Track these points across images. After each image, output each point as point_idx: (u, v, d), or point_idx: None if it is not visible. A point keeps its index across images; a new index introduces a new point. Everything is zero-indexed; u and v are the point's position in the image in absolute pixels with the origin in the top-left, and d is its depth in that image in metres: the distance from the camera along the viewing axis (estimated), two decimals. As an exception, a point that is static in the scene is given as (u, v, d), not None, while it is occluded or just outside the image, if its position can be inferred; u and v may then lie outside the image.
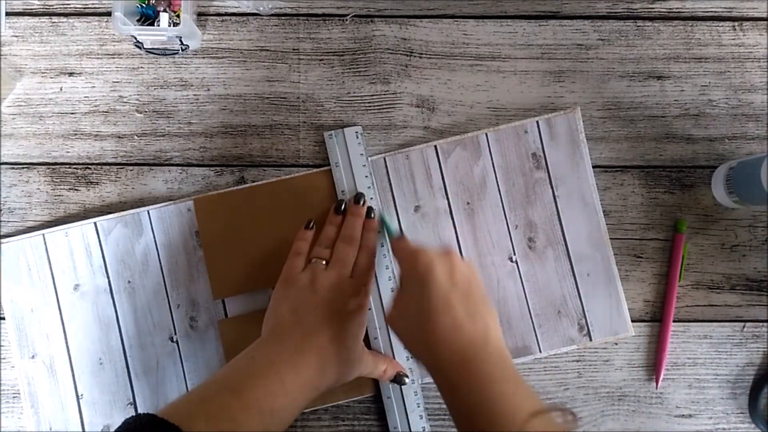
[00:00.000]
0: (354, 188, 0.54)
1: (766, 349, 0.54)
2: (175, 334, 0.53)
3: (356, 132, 0.55)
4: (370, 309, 0.52)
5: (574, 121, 0.55)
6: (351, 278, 0.49)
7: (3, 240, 0.54)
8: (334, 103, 0.56)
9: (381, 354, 0.52)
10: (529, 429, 0.38)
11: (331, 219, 0.52)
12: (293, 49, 0.56)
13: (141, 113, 0.56)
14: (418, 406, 0.52)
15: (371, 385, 0.53)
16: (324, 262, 0.50)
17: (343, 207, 0.53)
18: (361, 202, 0.53)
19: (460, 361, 0.40)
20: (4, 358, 0.54)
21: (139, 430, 0.39)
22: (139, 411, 0.53)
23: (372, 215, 0.52)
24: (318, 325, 0.46)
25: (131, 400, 0.53)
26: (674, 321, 0.54)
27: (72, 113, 0.56)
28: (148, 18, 0.53)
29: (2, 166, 0.56)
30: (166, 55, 0.56)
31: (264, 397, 0.42)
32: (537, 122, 0.55)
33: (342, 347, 0.46)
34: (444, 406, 0.53)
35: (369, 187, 0.54)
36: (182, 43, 0.54)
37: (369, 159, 0.54)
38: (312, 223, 0.53)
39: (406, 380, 0.51)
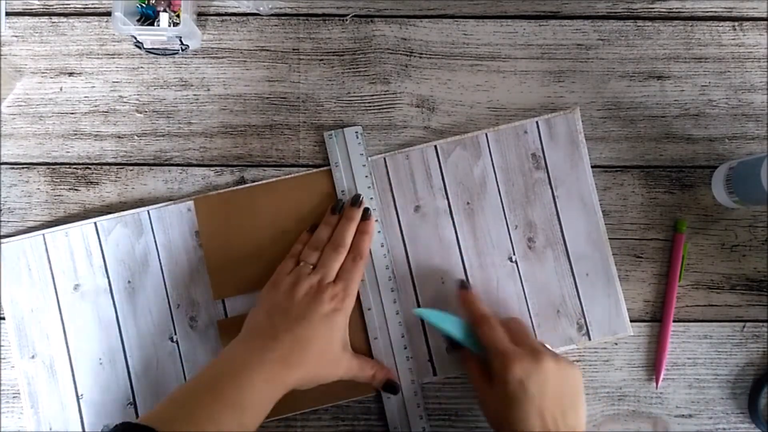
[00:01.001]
0: (354, 188, 0.54)
1: (766, 349, 0.54)
2: (175, 334, 0.53)
3: (356, 132, 0.55)
4: (370, 309, 0.53)
5: (573, 122, 0.55)
6: (333, 283, 0.49)
7: (3, 240, 0.54)
8: (334, 103, 0.56)
9: (370, 359, 0.52)
10: None
11: (327, 219, 0.53)
12: (293, 49, 0.56)
13: (141, 113, 0.56)
14: (418, 407, 0.52)
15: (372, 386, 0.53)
16: (310, 266, 0.50)
17: (340, 207, 0.53)
18: (358, 204, 0.52)
19: None
20: (4, 358, 0.54)
21: None
22: (139, 411, 0.53)
23: (368, 216, 0.52)
24: (287, 327, 0.47)
25: (131, 400, 0.53)
26: (674, 321, 0.54)
27: (72, 113, 0.56)
28: (148, 18, 0.54)
29: (2, 166, 0.56)
30: (166, 55, 0.56)
31: (236, 393, 0.43)
32: (537, 122, 0.55)
33: (309, 349, 0.46)
34: (444, 406, 0.53)
35: (369, 187, 0.54)
36: (182, 43, 0.54)
37: (369, 159, 0.54)
38: (315, 228, 0.53)
39: (397, 390, 0.51)
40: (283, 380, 0.45)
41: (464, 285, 0.52)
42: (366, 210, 0.53)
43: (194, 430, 0.41)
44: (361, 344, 0.53)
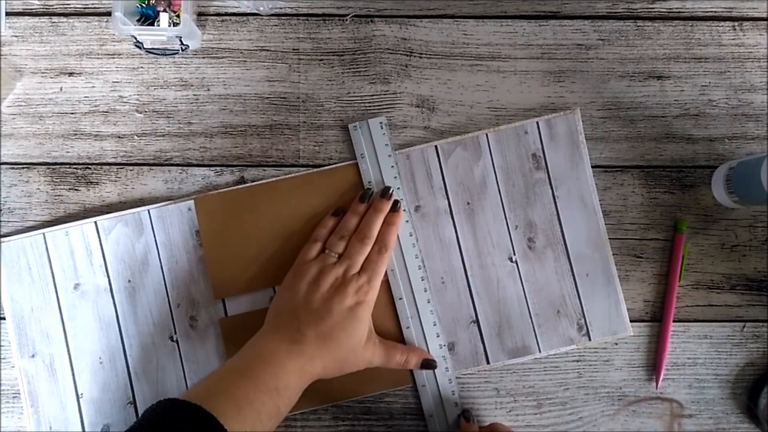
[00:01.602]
0: (381, 179, 0.54)
1: (766, 349, 0.54)
2: (175, 333, 0.53)
3: (380, 123, 0.55)
4: (401, 299, 0.53)
5: (573, 122, 0.55)
6: (357, 274, 0.50)
7: (3, 239, 0.54)
8: (334, 103, 0.56)
9: (399, 345, 0.52)
10: None
11: (355, 208, 0.53)
12: (293, 49, 0.56)
13: (141, 113, 0.56)
14: (453, 394, 0.52)
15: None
16: (335, 255, 0.50)
17: (369, 196, 0.53)
18: (388, 196, 0.53)
19: None
20: (4, 358, 0.54)
21: (160, 413, 0.41)
22: (139, 410, 0.53)
23: (397, 208, 0.53)
24: (310, 322, 0.48)
25: (131, 400, 0.53)
26: (674, 321, 0.54)
27: (72, 113, 0.56)
28: (148, 18, 0.54)
29: (2, 166, 0.56)
30: (166, 55, 0.56)
31: (269, 378, 0.45)
32: (537, 123, 0.55)
33: (333, 342, 0.48)
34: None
35: (395, 177, 0.54)
36: (182, 43, 0.54)
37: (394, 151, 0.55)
38: (339, 212, 0.53)
39: (435, 366, 0.52)
40: (309, 371, 0.47)
41: (466, 416, 0.52)
42: (396, 202, 0.53)
43: (236, 409, 0.43)
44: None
